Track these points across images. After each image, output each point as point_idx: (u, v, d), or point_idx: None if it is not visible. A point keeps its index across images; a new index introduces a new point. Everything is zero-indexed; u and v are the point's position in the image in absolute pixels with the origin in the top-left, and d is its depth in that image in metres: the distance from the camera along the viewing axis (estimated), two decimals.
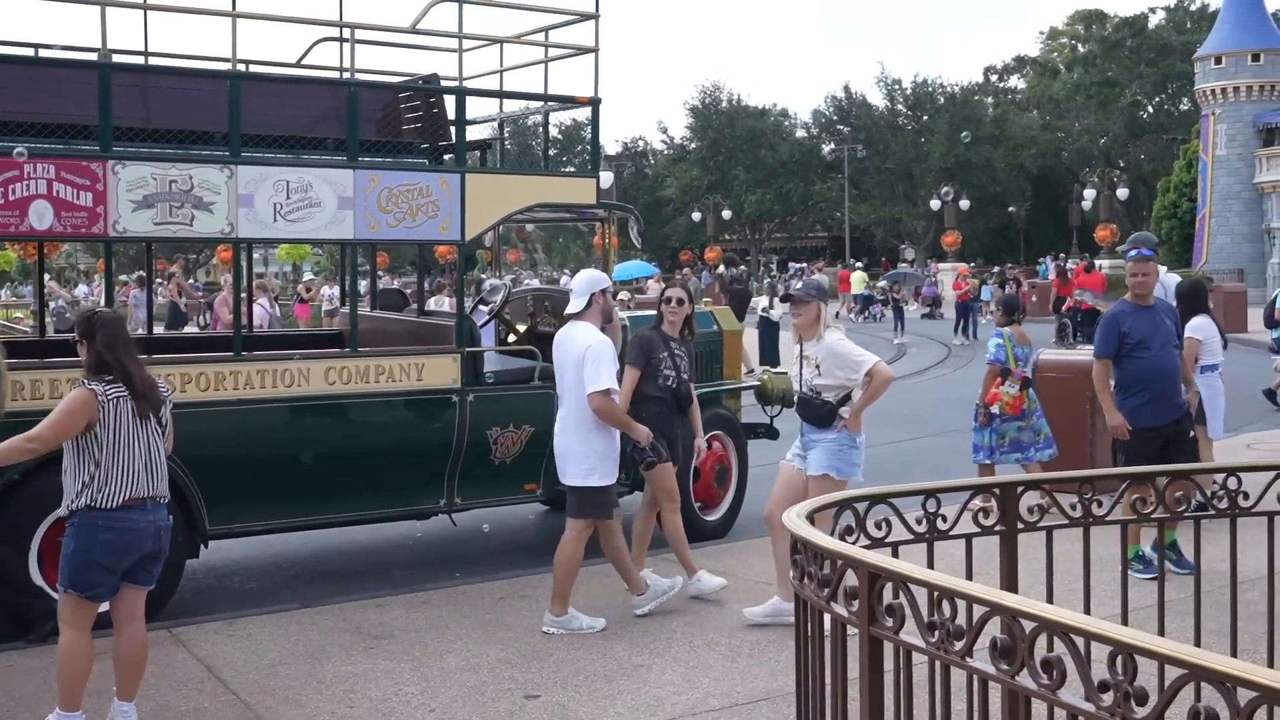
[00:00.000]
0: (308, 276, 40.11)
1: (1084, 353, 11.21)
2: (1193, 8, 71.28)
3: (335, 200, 7.73)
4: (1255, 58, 48.79)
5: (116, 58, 8.00)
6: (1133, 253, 8.00)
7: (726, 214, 64.45)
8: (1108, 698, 2.42)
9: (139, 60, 8.69)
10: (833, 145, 71.26)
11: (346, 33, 8.62)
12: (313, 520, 8.09)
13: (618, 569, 7.21)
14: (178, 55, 9.17)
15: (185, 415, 7.35)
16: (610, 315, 7.30)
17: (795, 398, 7.02)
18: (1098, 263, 36.13)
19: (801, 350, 6.94)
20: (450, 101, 8.93)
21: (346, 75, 8.61)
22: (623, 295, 23.11)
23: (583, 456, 6.93)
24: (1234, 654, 4.52)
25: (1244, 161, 49.29)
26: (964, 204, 56.15)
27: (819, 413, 6.76)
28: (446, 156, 9.28)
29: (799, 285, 7.35)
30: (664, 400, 7.40)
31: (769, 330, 22.25)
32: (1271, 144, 48.62)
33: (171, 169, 7.30)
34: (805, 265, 45.20)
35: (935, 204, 57.56)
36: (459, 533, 9.51)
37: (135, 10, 8.08)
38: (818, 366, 6.79)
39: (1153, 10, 73.27)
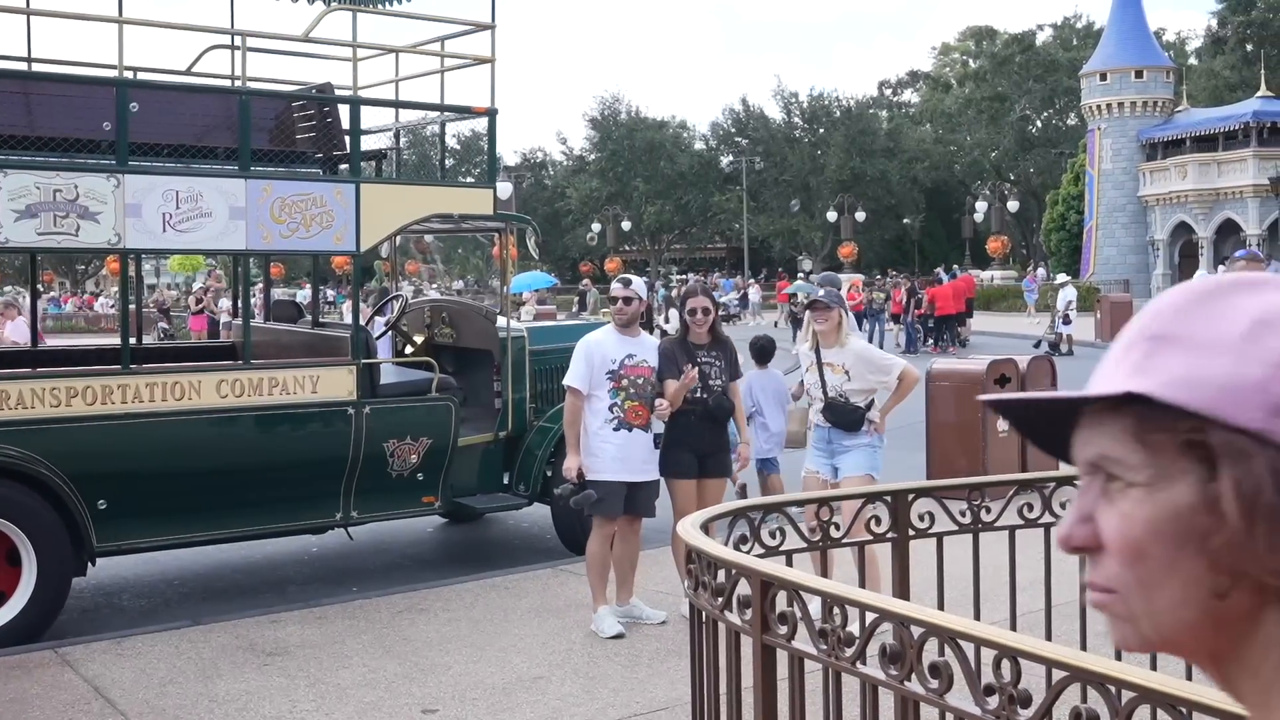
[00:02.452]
0: (198, 286, 39.30)
1: (974, 362, 11.46)
2: (1079, 25, 73.26)
3: (227, 210, 7.60)
4: (1138, 74, 50.28)
5: None
6: (1242, 253, 7.79)
7: (626, 225, 64.66)
8: (993, 701, 2.46)
9: (22, 66, 8.48)
10: (731, 157, 71.84)
11: (238, 40, 8.49)
12: (205, 535, 7.93)
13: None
14: (63, 61, 8.96)
15: (71, 429, 7.20)
16: (620, 319, 7.11)
17: (821, 403, 7.07)
18: (974, 273, 37.15)
19: (820, 357, 7.05)
20: (345, 111, 8.85)
21: (238, 84, 8.48)
22: (528, 310, 23.07)
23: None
24: (1118, 656, 4.64)
25: (1129, 175, 50.73)
26: (860, 216, 56.99)
27: (851, 417, 6.96)
28: (341, 166, 9.19)
29: (821, 292, 7.22)
30: (691, 412, 7.12)
31: None
32: (1154, 158, 50.11)
33: (56, 178, 7.12)
34: (703, 276, 45.44)
35: (832, 215, 58.33)
36: (356, 547, 9.40)
37: (18, 15, 7.88)
38: (847, 372, 6.96)
39: (1040, 27, 75.20)
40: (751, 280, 54.62)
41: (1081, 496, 0.94)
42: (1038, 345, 27.09)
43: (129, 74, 8.15)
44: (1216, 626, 0.91)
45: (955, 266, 51.60)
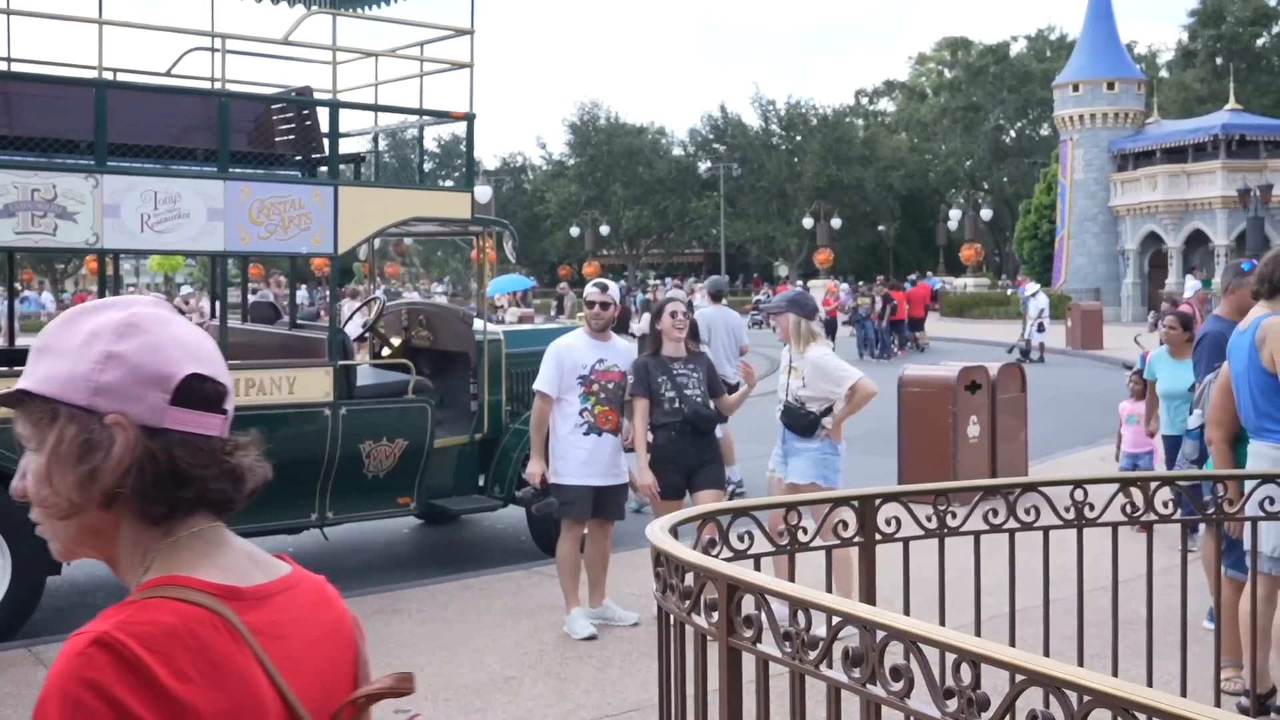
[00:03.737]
0: (186, 290, 39.13)
1: (946, 369, 11.56)
2: (1052, 37, 73.77)
3: (205, 211, 7.63)
4: (1110, 86, 50.61)
5: None
6: (1248, 264, 7.38)
7: (604, 230, 64.75)
8: (953, 704, 2.52)
9: (2, 66, 8.49)
10: (709, 163, 72.01)
11: (218, 42, 8.52)
12: None
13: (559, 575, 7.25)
14: (43, 62, 8.97)
15: None
16: (595, 324, 7.17)
17: (780, 406, 7.24)
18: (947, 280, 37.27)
19: (790, 361, 7.18)
20: (324, 114, 8.88)
21: (218, 85, 8.51)
22: (511, 314, 23.03)
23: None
24: (1080, 660, 4.72)
25: (1100, 185, 51.06)
26: (835, 223, 57.20)
27: (802, 422, 7.08)
28: (320, 169, 9.22)
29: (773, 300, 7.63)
30: (672, 426, 7.02)
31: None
32: (1125, 169, 50.46)
33: (34, 177, 7.14)
34: (678, 280, 45.51)
35: (808, 222, 58.51)
36: (331, 547, 9.42)
37: None
38: (803, 379, 7.06)
39: (1015, 39, 75.81)
40: (695, 286, 53.93)
41: (23, 459, 1.43)
42: (1011, 351, 27.36)
43: (109, 75, 8.17)
44: (97, 537, 1.43)
45: (930, 273, 51.90)
